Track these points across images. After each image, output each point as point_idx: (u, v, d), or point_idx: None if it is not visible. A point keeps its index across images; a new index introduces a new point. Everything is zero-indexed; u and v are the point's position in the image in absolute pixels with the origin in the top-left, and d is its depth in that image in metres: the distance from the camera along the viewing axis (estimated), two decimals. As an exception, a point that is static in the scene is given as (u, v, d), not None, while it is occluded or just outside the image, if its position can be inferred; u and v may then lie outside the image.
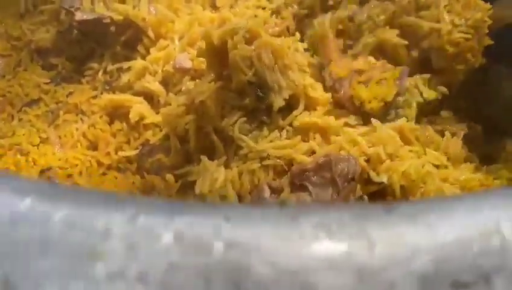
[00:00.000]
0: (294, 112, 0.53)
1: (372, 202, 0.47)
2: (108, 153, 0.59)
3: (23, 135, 0.61)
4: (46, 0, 0.77)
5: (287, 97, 0.52)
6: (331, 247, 0.18)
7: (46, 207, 0.17)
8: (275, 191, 0.48)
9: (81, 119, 0.63)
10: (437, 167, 0.53)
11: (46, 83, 0.67)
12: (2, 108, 0.64)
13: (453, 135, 0.60)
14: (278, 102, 0.51)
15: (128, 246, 0.17)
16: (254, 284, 0.17)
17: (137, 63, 0.65)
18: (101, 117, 0.63)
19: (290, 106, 0.53)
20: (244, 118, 0.52)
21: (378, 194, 0.47)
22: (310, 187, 0.46)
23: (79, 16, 0.65)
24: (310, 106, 0.54)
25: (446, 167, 0.56)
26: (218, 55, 0.53)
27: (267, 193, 0.49)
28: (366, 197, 0.47)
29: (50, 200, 0.18)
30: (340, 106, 0.56)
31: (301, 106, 0.53)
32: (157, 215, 0.18)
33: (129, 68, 0.65)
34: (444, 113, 0.61)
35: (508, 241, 0.19)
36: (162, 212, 0.18)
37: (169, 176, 0.55)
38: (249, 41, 0.51)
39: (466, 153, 0.59)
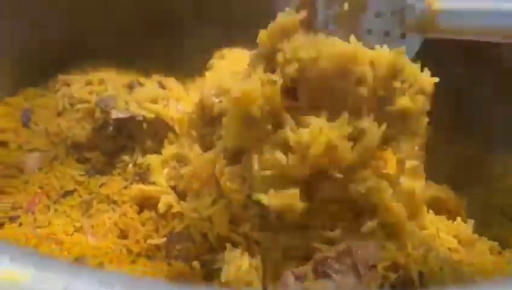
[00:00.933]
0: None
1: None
2: (137, 241, 0.63)
3: (58, 225, 0.64)
4: (82, 100, 0.85)
5: None
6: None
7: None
8: (299, 278, 0.51)
9: (113, 209, 0.67)
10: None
11: (80, 175, 0.72)
12: (39, 199, 0.68)
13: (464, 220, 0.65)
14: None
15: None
16: None
17: (154, 158, 0.70)
18: (131, 206, 0.67)
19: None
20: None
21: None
22: (333, 274, 0.49)
23: (115, 114, 0.72)
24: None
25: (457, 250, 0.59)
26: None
27: (291, 280, 0.51)
28: (387, 285, 0.49)
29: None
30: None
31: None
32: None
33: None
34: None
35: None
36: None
37: (195, 263, 0.58)
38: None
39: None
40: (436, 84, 0.52)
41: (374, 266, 0.49)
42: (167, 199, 0.65)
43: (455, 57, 0.83)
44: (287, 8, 0.60)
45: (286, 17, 0.55)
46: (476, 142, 0.83)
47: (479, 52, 0.82)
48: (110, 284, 0.22)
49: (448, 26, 0.57)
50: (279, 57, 0.53)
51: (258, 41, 0.57)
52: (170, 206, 0.64)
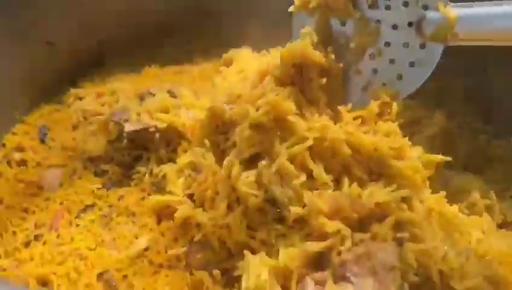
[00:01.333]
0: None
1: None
2: (158, 252, 0.64)
3: (81, 240, 0.66)
4: (94, 112, 0.87)
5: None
6: None
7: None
8: (319, 283, 0.51)
9: (132, 221, 0.69)
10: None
11: (99, 189, 0.74)
12: (61, 215, 0.70)
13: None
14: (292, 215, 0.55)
15: None
16: None
17: (169, 168, 0.71)
18: (149, 217, 0.68)
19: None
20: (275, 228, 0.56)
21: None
22: (352, 278, 0.49)
23: (128, 127, 0.73)
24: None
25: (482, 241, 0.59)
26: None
27: (311, 285, 0.52)
28: (406, 285, 0.49)
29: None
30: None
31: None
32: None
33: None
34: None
35: None
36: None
37: (216, 272, 0.59)
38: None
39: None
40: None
41: (392, 268, 0.49)
42: (184, 209, 0.65)
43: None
44: (302, 30, 0.60)
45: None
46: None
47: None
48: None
49: (468, 32, 0.55)
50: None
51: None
52: (187, 217, 0.65)
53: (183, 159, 0.71)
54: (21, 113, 0.86)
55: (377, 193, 0.52)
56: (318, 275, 0.52)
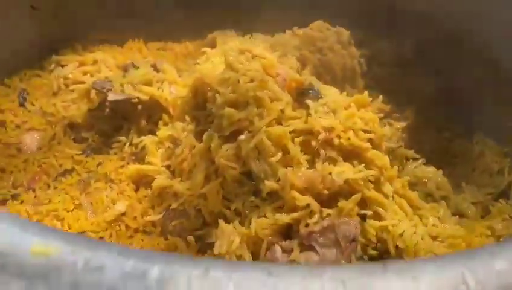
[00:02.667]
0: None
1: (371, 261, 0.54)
2: (135, 218, 0.67)
3: (59, 202, 0.68)
4: (76, 81, 0.88)
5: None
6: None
7: (145, 266, 0.25)
8: (286, 251, 0.55)
9: (110, 187, 0.71)
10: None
11: (78, 155, 0.75)
12: (39, 178, 0.71)
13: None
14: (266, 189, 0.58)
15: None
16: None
17: (149, 140, 0.74)
18: (128, 185, 0.71)
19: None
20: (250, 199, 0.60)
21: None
22: (317, 247, 0.53)
23: (111, 96, 0.74)
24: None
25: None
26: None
27: (278, 252, 0.56)
28: (366, 257, 0.54)
29: (145, 261, 0.25)
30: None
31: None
32: (220, 270, 0.25)
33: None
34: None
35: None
36: (224, 268, 0.25)
37: (190, 238, 0.62)
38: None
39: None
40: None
41: (354, 240, 0.53)
42: (161, 178, 0.68)
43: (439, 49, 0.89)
44: None
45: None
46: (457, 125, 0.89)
47: (460, 42, 0.87)
48: (127, 255, 0.25)
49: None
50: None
51: None
52: (165, 186, 0.67)
53: (163, 131, 0.73)
54: (1, 75, 0.86)
55: (347, 171, 0.56)
56: (286, 243, 0.55)
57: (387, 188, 0.59)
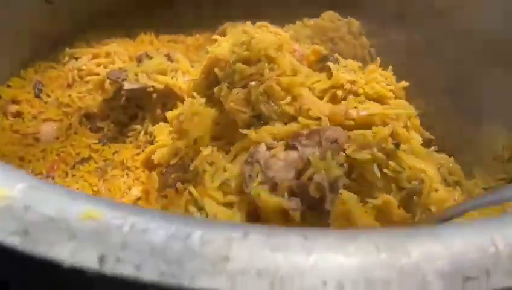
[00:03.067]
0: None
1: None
2: (150, 204, 0.68)
3: (77, 189, 0.69)
4: (90, 72, 0.89)
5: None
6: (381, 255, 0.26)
7: (187, 229, 0.26)
8: (270, 148, 0.55)
9: (127, 174, 0.72)
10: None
11: (95, 143, 0.76)
12: (57, 166, 0.73)
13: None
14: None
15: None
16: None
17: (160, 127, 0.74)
18: (143, 171, 0.72)
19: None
20: None
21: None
22: (299, 147, 0.53)
23: (127, 85, 0.75)
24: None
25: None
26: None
27: (262, 148, 0.55)
28: (346, 165, 0.52)
29: (187, 225, 0.26)
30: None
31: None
32: (258, 234, 0.26)
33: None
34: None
35: (500, 251, 0.27)
36: (262, 233, 0.26)
37: (179, 185, 0.61)
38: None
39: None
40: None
41: (336, 142, 0.53)
42: (160, 151, 0.68)
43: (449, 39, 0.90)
44: None
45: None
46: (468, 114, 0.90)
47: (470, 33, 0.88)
48: (169, 220, 0.26)
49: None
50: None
51: None
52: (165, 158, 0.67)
53: (172, 112, 0.73)
54: (16, 67, 0.87)
55: (374, 107, 0.56)
56: (271, 141, 0.56)
57: (415, 136, 0.58)
